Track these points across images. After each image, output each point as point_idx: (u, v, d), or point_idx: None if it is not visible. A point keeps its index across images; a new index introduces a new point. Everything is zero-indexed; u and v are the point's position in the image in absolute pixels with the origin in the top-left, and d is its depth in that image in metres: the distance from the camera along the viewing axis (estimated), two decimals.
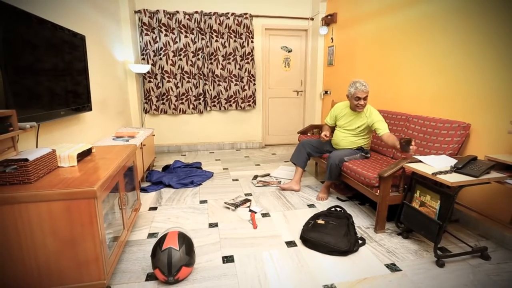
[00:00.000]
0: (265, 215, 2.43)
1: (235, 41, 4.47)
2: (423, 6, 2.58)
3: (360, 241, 1.97)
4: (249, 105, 4.75)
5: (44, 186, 1.35)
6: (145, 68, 3.94)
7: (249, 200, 2.67)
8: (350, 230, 1.98)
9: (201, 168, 3.65)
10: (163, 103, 4.47)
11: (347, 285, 1.59)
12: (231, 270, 1.72)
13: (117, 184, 1.77)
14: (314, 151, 2.99)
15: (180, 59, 4.35)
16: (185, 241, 1.64)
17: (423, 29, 2.59)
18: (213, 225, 2.26)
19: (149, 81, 4.31)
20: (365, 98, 2.56)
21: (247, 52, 4.53)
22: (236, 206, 2.54)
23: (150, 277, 1.65)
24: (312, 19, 4.70)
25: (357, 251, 1.89)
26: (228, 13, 4.36)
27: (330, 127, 3.00)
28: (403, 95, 2.89)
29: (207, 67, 4.48)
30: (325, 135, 2.73)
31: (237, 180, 3.31)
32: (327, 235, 1.92)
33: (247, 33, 4.48)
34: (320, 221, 2.08)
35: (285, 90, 5.04)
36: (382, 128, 2.49)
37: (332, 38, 4.31)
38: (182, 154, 4.54)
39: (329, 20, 4.23)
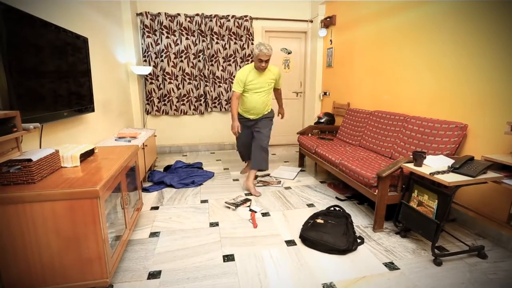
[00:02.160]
0: (265, 214, 2.46)
1: (235, 43, 4.50)
2: (421, 9, 2.60)
3: (358, 240, 1.99)
4: None
5: (48, 186, 1.38)
6: (147, 70, 3.98)
7: (249, 200, 2.70)
8: (349, 229, 2.01)
9: (202, 168, 3.67)
10: (164, 104, 4.50)
11: (346, 283, 1.61)
12: (231, 268, 1.74)
13: (119, 184, 1.79)
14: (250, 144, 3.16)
15: (181, 61, 4.39)
16: None
17: (421, 31, 2.62)
18: (214, 224, 2.29)
19: (151, 83, 4.35)
20: (266, 61, 2.76)
21: (247, 54, 4.56)
22: (237, 205, 2.57)
23: (151, 275, 1.68)
24: (312, 21, 4.74)
25: (355, 250, 1.91)
26: (228, 15, 4.39)
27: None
28: (401, 96, 2.92)
29: (208, 69, 4.52)
30: (238, 128, 2.91)
31: (237, 180, 3.34)
32: (326, 234, 1.94)
33: (247, 35, 4.52)
34: (319, 220, 2.10)
35: (285, 91, 5.05)
36: (280, 83, 3.11)
37: (331, 40, 4.34)
38: (183, 154, 4.57)
39: (328, 22, 4.26)
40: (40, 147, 1.86)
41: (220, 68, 4.53)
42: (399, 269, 1.73)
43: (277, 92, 3.25)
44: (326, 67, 4.53)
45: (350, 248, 1.88)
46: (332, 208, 2.31)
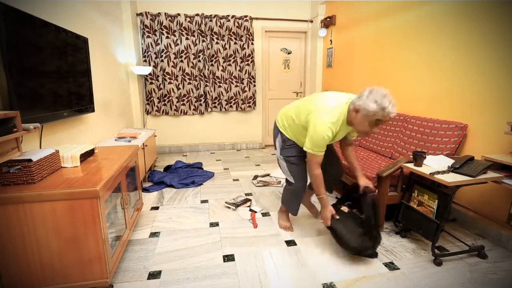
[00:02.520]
0: (265, 214, 2.45)
1: (235, 43, 4.50)
2: (421, 9, 2.60)
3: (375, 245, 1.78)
4: (249, 106, 4.78)
5: (48, 186, 1.38)
6: (147, 70, 3.98)
7: (249, 200, 2.70)
8: (372, 230, 1.80)
9: (202, 168, 3.67)
10: (164, 105, 4.50)
11: (346, 283, 1.61)
12: (231, 268, 1.74)
13: (119, 184, 1.79)
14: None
15: (181, 61, 4.39)
16: None
17: (421, 31, 2.62)
18: (214, 224, 2.29)
19: (151, 83, 4.35)
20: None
21: (247, 54, 4.56)
22: (237, 205, 2.57)
23: (151, 275, 1.68)
24: (312, 21, 4.74)
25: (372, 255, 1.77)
26: (228, 15, 4.39)
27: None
28: (401, 96, 2.92)
29: (208, 69, 4.52)
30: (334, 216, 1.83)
31: (237, 180, 3.34)
32: (349, 234, 1.75)
33: (247, 35, 4.52)
34: (343, 208, 1.91)
35: (285, 92, 5.07)
36: (355, 134, 1.94)
37: (331, 40, 4.34)
38: (183, 154, 4.57)
39: (328, 22, 4.26)
40: (40, 147, 1.86)
41: (220, 68, 4.53)
42: (399, 269, 1.73)
43: (349, 149, 1.99)
44: (326, 67, 4.53)
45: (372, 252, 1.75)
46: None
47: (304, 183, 2.00)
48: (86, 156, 1.86)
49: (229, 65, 4.56)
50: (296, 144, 1.95)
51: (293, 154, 1.96)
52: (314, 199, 2.36)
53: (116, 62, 3.52)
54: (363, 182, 1.91)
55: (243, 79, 4.65)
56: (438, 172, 1.75)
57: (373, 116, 1.55)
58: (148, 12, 4.13)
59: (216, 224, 2.29)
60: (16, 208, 1.32)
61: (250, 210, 2.53)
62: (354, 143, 2.01)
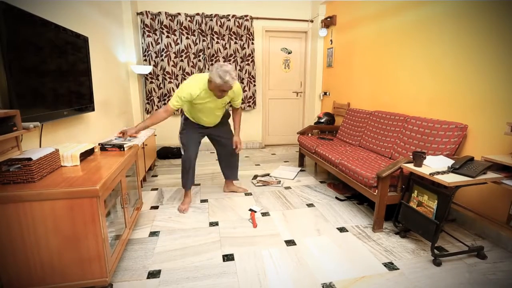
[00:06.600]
0: (264, 214, 2.46)
1: (235, 42, 4.50)
2: (421, 10, 2.60)
3: None
4: (249, 106, 4.78)
5: (48, 185, 1.38)
6: (147, 69, 3.97)
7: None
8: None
9: None
10: (164, 104, 4.50)
11: (345, 283, 1.61)
12: (231, 268, 1.74)
13: (119, 183, 1.79)
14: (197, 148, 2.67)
15: (182, 61, 4.39)
16: None
17: (421, 32, 2.62)
18: (213, 224, 2.29)
19: (151, 82, 4.35)
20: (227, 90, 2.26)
21: (247, 54, 4.56)
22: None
23: (151, 275, 1.68)
24: (312, 21, 4.74)
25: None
26: (229, 15, 4.39)
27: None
28: (401, 96, 2.92)
29: (208, 69, 4.52)
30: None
31: (237, 180, 3.33)
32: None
33: (248, 35, 4.52)
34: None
35: (285, 91, 5.07)
36: (238, 102, 2.58)
37: (331, 40, 4.34)
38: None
39: (329, 22, 4.26)
40: (40, 146, 1.86)
41: None
42: (398, 269, 1.73)
43: (235, 112, 2.65)
44: (326, 67, 4.53)
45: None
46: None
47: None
48: (86, 155, 1.86)
49: (229, 64, 4.55)
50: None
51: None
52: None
53: (116, 61, 3.52)
54: (237, 139, 2.69)
55: (243, 78, 4.65)
56: (438, 173, 1.75)
57: (220, 87, 2.19)
58: (149, 11, 4.13)
59: (216, 224, 2.29)
60: (15, 207, 1.31)
61: (250, 209, 2.53)
62: (240, 109, 2.66)
